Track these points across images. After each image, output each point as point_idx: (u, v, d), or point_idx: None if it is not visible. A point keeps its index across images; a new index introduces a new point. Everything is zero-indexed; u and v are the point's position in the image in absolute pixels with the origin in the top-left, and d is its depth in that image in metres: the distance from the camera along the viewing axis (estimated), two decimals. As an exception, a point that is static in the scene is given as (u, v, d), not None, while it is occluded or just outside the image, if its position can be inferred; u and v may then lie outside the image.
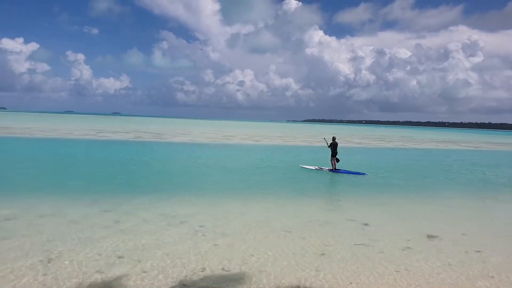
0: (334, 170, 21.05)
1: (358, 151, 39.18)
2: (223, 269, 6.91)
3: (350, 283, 6.54)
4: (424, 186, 17.89)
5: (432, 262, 7.64)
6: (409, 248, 8.50)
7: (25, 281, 6.10)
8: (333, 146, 21.31)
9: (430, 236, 9.45)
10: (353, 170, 21.10)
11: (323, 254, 7.86)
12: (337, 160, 21.12)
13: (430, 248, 8.53)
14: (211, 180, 17.22)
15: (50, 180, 15.45)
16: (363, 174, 20.35)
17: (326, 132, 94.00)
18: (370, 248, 8.36)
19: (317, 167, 22.02)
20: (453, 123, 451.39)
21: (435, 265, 7.49)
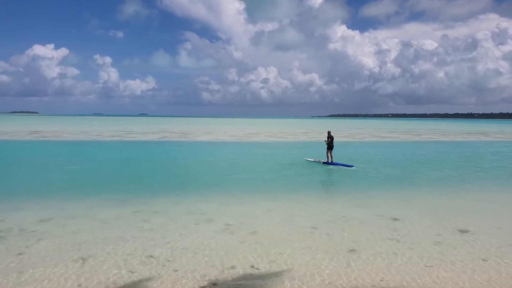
0: (328, 162, 21.66)
1: (385, 145, 38.57)
2: (252, 266, 6.95)
3: (381, 279, 6.46)
4: (454, 179, 17.45)
5: (465, 257, 7.46)
6: (440, 242, 8.32)
7: (60, 281, 6.30)
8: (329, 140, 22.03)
9: (462, 231, 9.22)
10: (343, 163, 21.41)
11: (352, 250, 7.79)
12: (330, 148, 21.72)
13: (463, 243, 8.33)
14: (236, 178, 17.31)
15: (82, 182, 15.87)
16: (352, 166, 20.58)
17: (352, 127, 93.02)
18: (400, 243, 8.23)
19: (315, 160, 22.89)
20: (482, 114, 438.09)
21: (468, 260, 7.31)
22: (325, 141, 22.07)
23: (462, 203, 12.48)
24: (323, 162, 21.93)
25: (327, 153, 21.81)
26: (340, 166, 20.74)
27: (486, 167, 22.13)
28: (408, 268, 6.90)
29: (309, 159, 23.26)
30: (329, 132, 22.32)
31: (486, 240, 8.52)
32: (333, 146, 21.78)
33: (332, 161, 21.60)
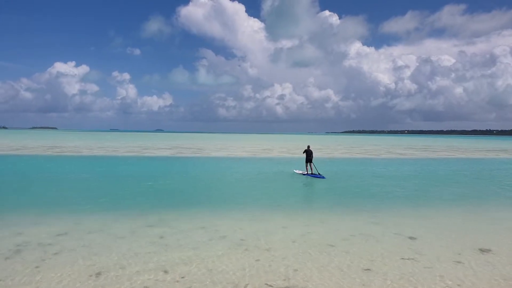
0: (307, 174, 24.12)
1: (401, 162, 38.07)
2: (266, 284, 6.86)
3: (398, 299, 6.30)
4: (474, 197, 17.08)
5: (485, 277, 7.25)
6: (460, 262, 8.11)
7: (76, 295, 6.31)
8: (307, 153, 24.56)
9: (482, 250, 8.99)
10: (317, 174, 23.56)
11: (368, 269, 7.64)
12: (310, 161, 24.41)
13: (483, 263, 8.11)
14: (251, 194, 17.25)
15: (97, 196, 16.02)
16: (323, 177, 22.71)
17: (368, 143, 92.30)
18: (418, 263, 8.05)
19: (299, 171, 25.34)
20: (501, 130, 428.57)
21: (489, 281, 7.10)
22: (303, 152, 24.96)
23: (483, 221, 12.18)
24: (303, 174, 24.50)
25: (306, 165, 24.46)
26: (316, 178, 23.02)
27: (507, 184, 21.62)
28: (426, 288, 6.72)
29: (297, 171, 25.60)
30: (308, 147, 25.01)
31: (509, 260, 8.28)
32: (311, 159, 24.42)
33: (312, 173, 23.85)
